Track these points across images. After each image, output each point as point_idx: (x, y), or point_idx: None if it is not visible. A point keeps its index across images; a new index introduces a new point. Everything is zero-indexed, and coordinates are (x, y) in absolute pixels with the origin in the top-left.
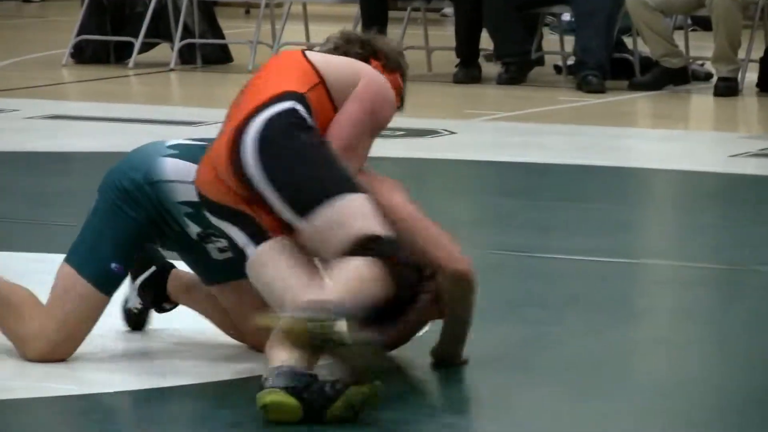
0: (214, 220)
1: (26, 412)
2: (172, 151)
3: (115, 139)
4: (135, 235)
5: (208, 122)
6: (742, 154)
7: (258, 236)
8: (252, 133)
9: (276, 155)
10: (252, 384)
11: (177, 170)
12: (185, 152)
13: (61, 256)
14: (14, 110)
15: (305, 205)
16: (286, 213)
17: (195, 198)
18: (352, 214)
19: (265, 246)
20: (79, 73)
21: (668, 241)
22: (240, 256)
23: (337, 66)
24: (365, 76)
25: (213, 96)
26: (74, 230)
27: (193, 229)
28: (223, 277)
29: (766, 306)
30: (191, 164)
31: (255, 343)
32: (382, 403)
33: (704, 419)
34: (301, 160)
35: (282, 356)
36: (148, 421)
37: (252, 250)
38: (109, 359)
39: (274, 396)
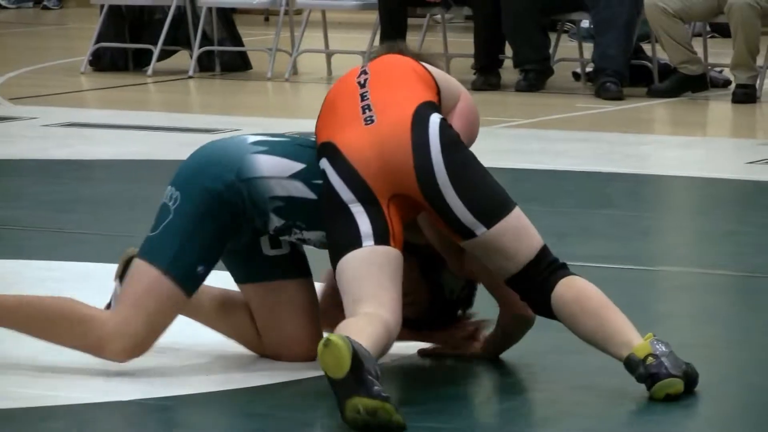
0: (346, 196)
1: (44, 421)
2: (261, 148)
3: (133, 147)
4: (222, 237)
5: (226, 129)
6: (760, 161)
7: (383, 236)
8: (432, 133)
9: (460, 162)
10: (271, 391)
11: (271, 166)
12: (276, 148)
13: (76, 264)
14: (32, 118)
15: (490, 215)
16: (467, 218)
17: (288, 193)
18: (529, 225)
19: (384, 249)
20: (98, 81)
21: (687, 247)
22: (320, 248)
23: (445, 78)
24: (463, 93)
25: (232, 103)
26: (88, 237)
27: (275, 223)
28: (268, 275)
29: None
30: (285, 159)
31: (271, 350)
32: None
33: (725, 424)
34: (480, 171)
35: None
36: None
37: (369, 243)
38: (117, 367)
39: (338, 340)
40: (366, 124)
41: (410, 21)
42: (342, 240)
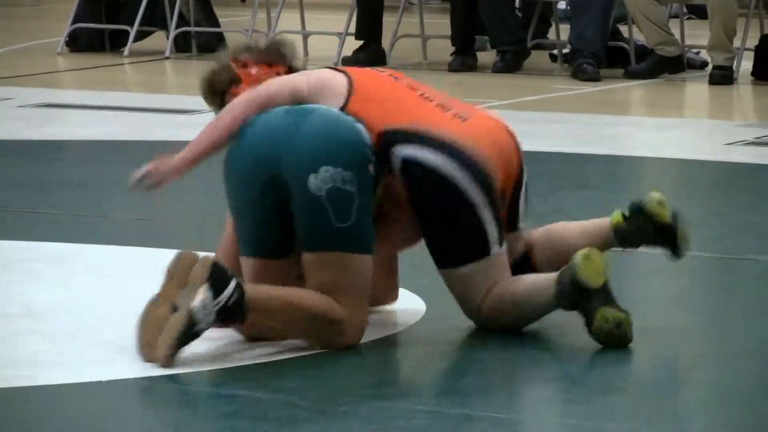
0: (472, 193)
1: (70, 396)
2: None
3: (110, 128)
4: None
5: (203, 111)
6: (738, 142)
7: (502, 238)
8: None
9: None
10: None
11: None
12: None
13: (50, 245)
14: (8, 98)
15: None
16: (522, 216)
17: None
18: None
19: (503, 249)
20: (74, 62)
21: None
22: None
23: None
24: None
25: None
26: (63, 218)
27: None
28: (331, 245)
29: (762, 294)
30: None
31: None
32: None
33: (701, 406)
34: None
35: None
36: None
37: (496, 249)
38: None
39: (597, 253)
40: (463, 121)
41: (386, 2)
42: (469, 243)
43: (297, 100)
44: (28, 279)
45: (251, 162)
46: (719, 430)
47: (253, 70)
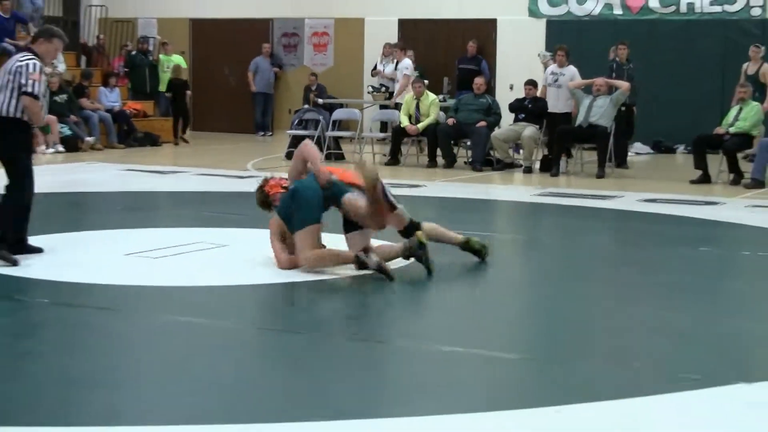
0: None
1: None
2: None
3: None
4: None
5: None
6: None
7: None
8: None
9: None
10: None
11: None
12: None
13: None
14: None
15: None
16: (395, 203)
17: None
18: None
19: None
20: None
21: None
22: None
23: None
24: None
25: None
26: None
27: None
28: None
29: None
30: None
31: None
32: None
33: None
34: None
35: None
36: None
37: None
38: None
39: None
40: (345, 171)
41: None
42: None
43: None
44: None
45: (315, 190)
46: None
47: (272, 182)
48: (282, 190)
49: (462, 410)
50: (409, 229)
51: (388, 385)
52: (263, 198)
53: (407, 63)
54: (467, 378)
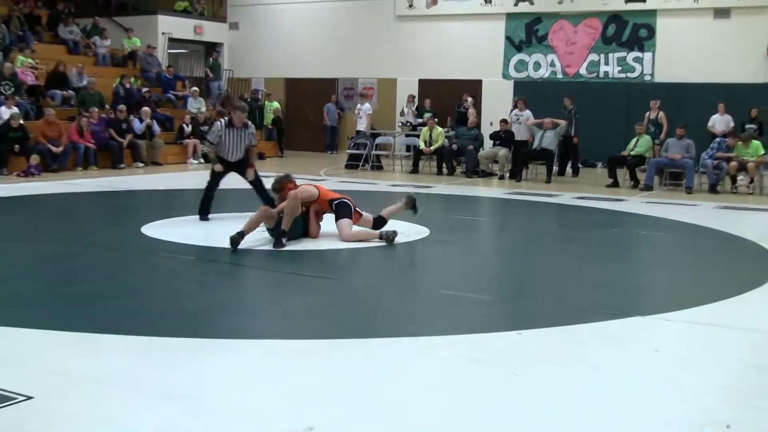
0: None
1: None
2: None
3: None
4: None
5: None
6: None
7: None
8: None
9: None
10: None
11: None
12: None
13: None
14: None
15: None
16: (360, 210)
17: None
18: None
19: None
20: None
21: None
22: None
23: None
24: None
25: None
26: None
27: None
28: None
29: None
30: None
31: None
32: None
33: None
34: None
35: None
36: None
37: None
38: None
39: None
40: (329, 189)
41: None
42: (346, 214)
43: (311, 197)
44: None
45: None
46: None
47: (290, 185)
48: (293, 187)
49: (454, 332)
50: (377, 221)
51: (401, 316)
52: (279, 187)
53: (367, 107)
54: (457, 312)
